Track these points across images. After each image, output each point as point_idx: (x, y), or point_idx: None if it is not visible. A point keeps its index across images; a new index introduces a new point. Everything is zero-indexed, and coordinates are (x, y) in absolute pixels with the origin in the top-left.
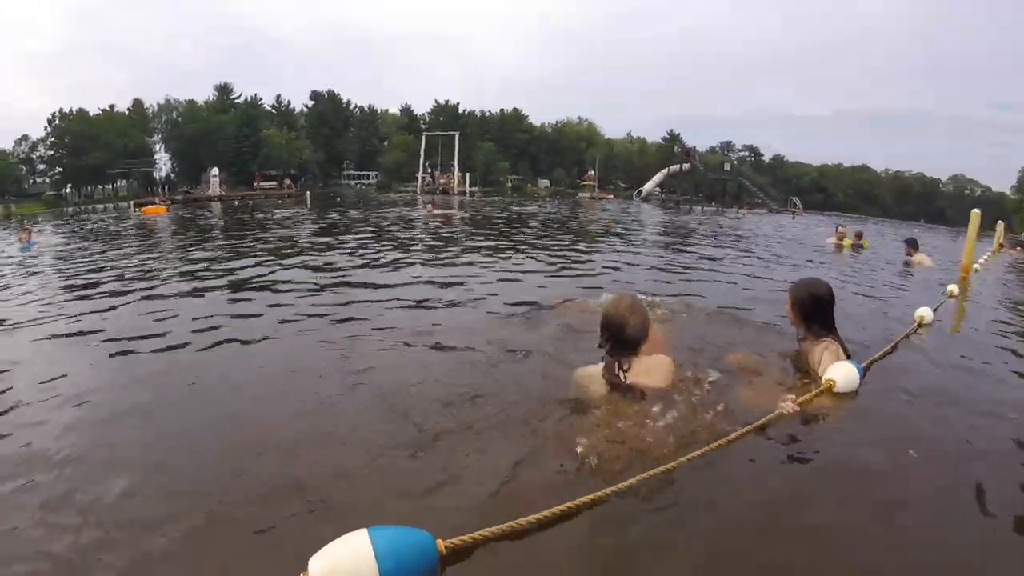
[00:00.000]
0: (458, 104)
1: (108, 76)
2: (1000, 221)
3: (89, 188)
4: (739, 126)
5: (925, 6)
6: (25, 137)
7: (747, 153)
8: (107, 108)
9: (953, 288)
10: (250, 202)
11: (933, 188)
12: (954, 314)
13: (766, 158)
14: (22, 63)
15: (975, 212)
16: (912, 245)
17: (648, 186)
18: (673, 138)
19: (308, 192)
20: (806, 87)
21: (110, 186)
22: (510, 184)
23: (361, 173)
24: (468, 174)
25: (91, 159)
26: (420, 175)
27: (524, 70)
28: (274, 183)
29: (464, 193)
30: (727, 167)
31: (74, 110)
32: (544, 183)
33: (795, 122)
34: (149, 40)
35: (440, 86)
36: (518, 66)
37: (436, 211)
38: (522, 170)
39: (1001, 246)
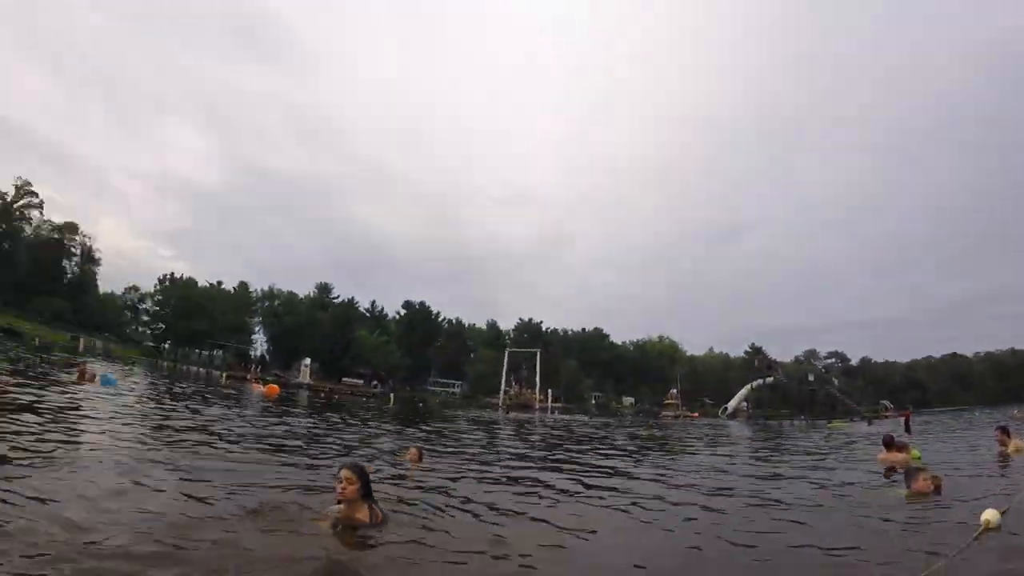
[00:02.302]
0: (541, 323)
1: (223, 255)
2: None
3: (186, 349)
4: (825, 331)
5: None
6: (135, 287)
7: (834, 360)
8: (215, 283)
9: None
10: (336, 396)
11: None
12: None
13: (854, 361)
14: (149, 220)
15: None
16: (1004, 432)
17: (733, 402)
18: (756, 351)
19: (392, 394)
20: (888, 286)
21: (206, 353)
22: (594, 401)
23: (447, 381)
24: (551, 390)
25: (194, 324)
26: (503, 388)
27: (605, 289)
28: (361, 381)
29: (546, 409)
30: (811, 377)
31: (184, 276)
32: (629, 400)
33: (877, 323)
34: (265, 234)
35: (526, 304)
36: (599, 285)
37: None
38: (607, 388)
39: None
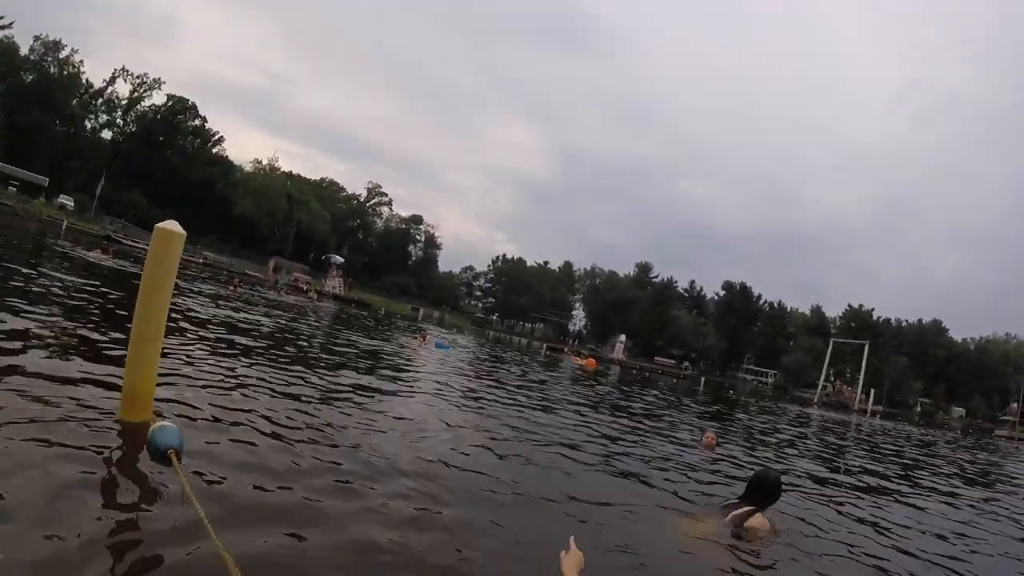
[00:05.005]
0: (872, 310)
1: (550, 237)
2: None
3: (511, 321)
4: None
5: None
6: (470, 268)
7: None
8: (542, 263)
9: None
10: (646, 374)
11: None
12: None
13: None
14: (484, 208)
15: None
16: None
17: None
18: None
19: (703, 378)
20: None
21: (529, 325)
22: (919, 408)
23: (760, 370)
24: (873, 390)
25: (520, 299)
26: (821, 383)
27: (949, 273)
28: (672, 361)
29: (864, 411)
30: None
31: (514, 257)
32: (958, 411)
33: None
34: (590, 216)
35: (856, 288)
36: (942, 268)
37: None
38: (936, 393)
39: None
